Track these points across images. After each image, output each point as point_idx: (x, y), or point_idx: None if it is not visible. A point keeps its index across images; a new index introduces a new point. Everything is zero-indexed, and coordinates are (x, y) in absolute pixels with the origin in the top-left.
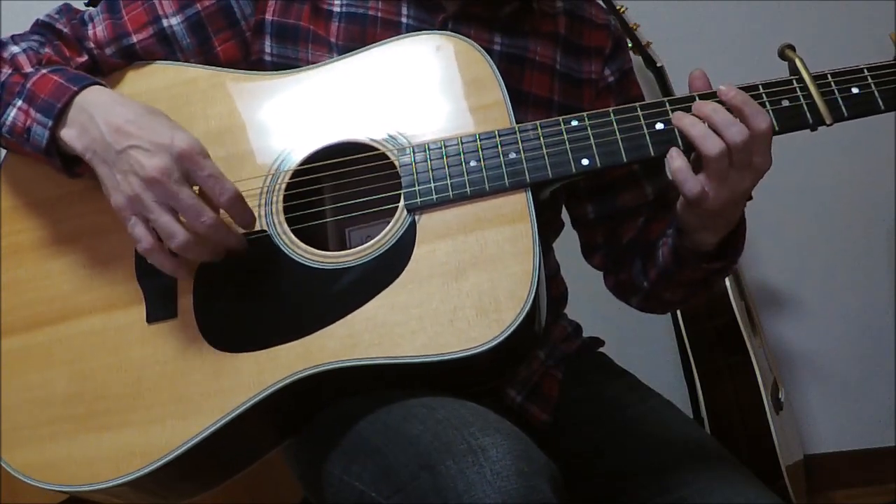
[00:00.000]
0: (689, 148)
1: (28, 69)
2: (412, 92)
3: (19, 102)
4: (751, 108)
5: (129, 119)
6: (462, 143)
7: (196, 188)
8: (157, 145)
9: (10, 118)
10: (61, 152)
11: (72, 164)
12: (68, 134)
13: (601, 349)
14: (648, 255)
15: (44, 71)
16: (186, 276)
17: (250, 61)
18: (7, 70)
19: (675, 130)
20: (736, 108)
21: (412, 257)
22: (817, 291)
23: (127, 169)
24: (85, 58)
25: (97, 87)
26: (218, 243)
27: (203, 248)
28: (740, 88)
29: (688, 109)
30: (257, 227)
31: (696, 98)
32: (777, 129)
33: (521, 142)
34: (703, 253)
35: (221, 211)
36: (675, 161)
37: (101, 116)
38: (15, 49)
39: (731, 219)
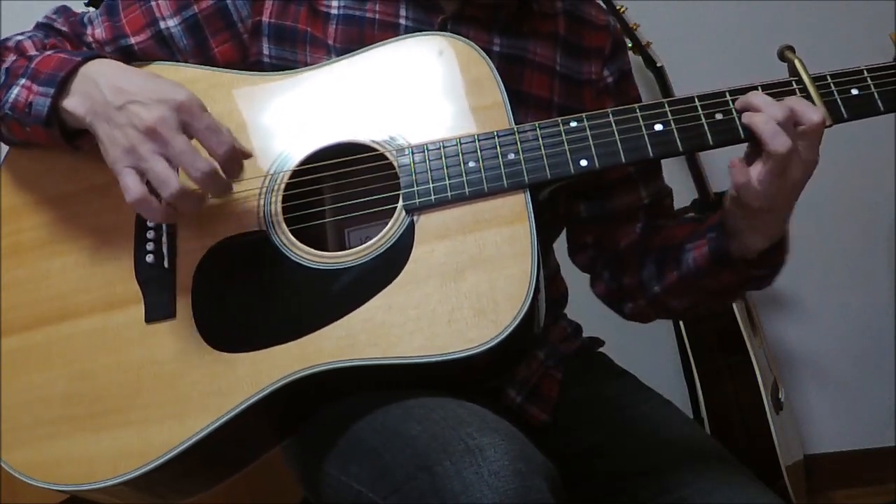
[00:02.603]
0: (749, 140)
1: (33, 52)
2: (411, 93)
3: (23, 81)
4: (800, 105)
5: (130, 80)
6: (460, 144)
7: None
8: (156, 99)
9: (12, 96)
10: (62, 125)
11: (72, 138)
12: (71, 102)
13: (601, 349)
14: (669, 261)
15: (48, 52)
16: (175, 220)
17: (248, 63)
18: (12, 57)
19: (737, 122)
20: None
21: (410, 258)
22: (817, 291)
23: (125, 122)
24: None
25: (101, 58)
26: (211, 194)
27: (196, 199)
28: (739, 89)
29: (688, 110)
30: (255, 227)
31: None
32: None
33: (520, 142)
34: (748, 260)
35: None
36: (733, 161)
37: (104, 81)
38: (20, 37)
39: (780, 216)
